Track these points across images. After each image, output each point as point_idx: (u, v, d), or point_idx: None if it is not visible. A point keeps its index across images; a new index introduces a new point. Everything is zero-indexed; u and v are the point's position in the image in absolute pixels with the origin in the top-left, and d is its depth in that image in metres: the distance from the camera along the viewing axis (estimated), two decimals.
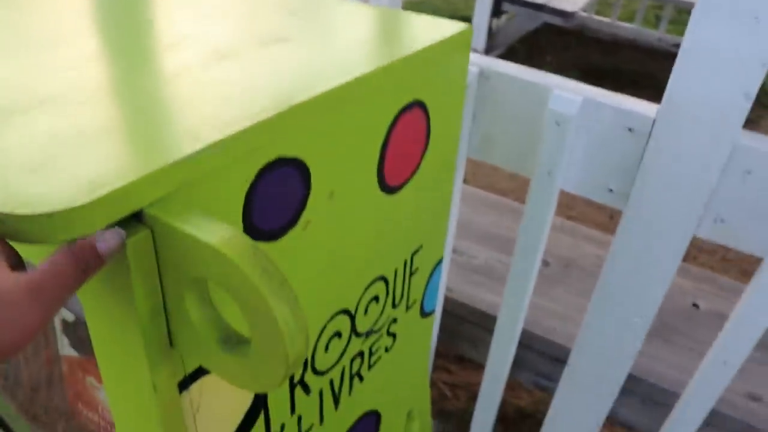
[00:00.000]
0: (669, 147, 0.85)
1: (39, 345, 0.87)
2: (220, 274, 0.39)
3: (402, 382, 0.97)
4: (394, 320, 0.88)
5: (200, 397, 0.56)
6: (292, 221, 0.56)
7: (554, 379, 1.34)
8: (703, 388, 1.00)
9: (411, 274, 0.87)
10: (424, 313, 0.96)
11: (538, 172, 0.93)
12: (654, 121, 0.85)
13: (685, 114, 0.82)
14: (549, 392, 1.34)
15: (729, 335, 0.93)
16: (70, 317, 0.78)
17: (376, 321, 0.83)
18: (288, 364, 0.39)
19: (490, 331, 1.15)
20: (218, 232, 0.38)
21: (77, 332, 0.78)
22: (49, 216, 0.36)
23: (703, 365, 0.99)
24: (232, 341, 0.44)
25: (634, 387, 1.22)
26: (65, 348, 0.82)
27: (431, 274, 0.94)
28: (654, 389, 1.20)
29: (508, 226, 1.71)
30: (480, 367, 1.32)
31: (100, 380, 0.79)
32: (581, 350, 1.07)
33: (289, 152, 0.51)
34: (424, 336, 1.01)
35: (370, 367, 0.86)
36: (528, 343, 1.32)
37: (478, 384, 1.25)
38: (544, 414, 1.16)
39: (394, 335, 0.89)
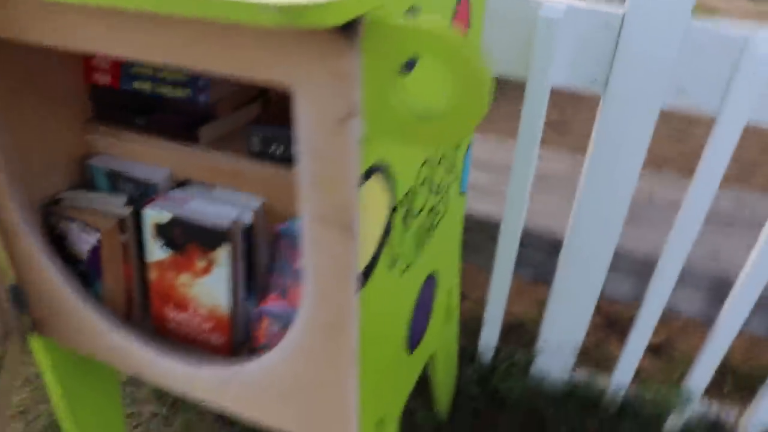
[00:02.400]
0: (637, 34, 1.04)
1: (117, 262, 0.95)
2: (434, 49, 0.53)
3: (448, 253, 1.10)
4: (447, 189, 1.01)
5: None
6: None
7: (550, 270, 1.49)
8: (673, 254, 1.19)
9: (456, 147, 1.00)
10: (461, 192, 1.10)
11: (533, 70, 1.10)
12: (623, 16, 1.05)
13: (647, 7, 1.02)
14: (547, 283, 1.48)
15: (688, 203, 1.13)
16: (165, 218, 0.88)
17: (441, 181, 0.95)
18: (485, 101, 0.53)
19: (489, 235, 1.31)
20: (427, 22, 0.53)
21: (172, 231, 0.88)
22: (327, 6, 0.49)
23: (671, 236, 1.19)
24: (425, 113, 0.57)
25: (618, 263, 1.39)
26: (156, 252, 0.91)
27: (465, 155, 1.08)
28: (634, 262, 1.38)
29: (503, 156, 1.86)
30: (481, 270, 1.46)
31: (196, 273, 0.89)
32: (576, 231, 1.24)
33: None
34: (460, 214, 1.14)
35: (435, 226, 0.97)
36: (526, 242, 1.48)
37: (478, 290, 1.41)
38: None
39: (446, 205, 1.02)
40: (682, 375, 1.44)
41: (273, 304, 0.87)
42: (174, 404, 1.43)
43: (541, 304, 1.52)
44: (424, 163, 0.84)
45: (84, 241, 0.93)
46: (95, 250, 0.93)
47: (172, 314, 0.95)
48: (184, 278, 0.91)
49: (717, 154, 1.07)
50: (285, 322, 0.87)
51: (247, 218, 0.89)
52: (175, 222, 0.87)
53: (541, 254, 1.52)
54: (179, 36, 0.62)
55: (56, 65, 0.92)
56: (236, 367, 0.84)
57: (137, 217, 0.97)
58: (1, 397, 1.02)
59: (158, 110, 0.95)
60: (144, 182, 0.96)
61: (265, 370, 0.81)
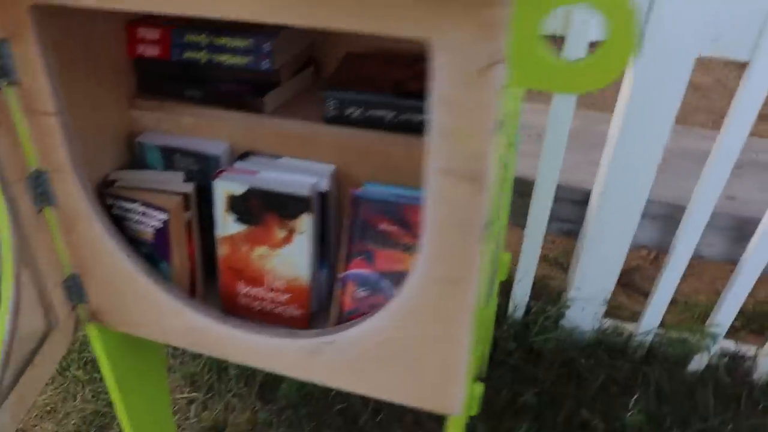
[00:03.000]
0: None
1: (183, 240, 0.92)
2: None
3: (502, 209, 1.11)
4: (509, 144, 1.01)
5: None
6: None
7: (577, 222, 1.50)
8: (703, 200, 1.24)
9: None
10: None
11: (572, 26, 1.12)
12: None
13: None
14: (573, 236, 1.50)
15: (720, 146, 1.18)
16: (240, 189, 0.85)
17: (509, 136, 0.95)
18: (633, 42, 0.54)
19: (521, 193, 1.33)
20: None
21: (248, 202, 0.85)
22: None
23: (701, 181, 1.23)
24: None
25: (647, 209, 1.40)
26: (229, 226, 0.88)
27: None
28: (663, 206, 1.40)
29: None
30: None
31: (275, 244, 0.87)
32: (608, 182, 1.27)
33: None
34: (513, 168, 1.14)
35: (504, 181, 0.97)
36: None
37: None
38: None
39: (508, 160, 1.02)
40: (701, 316, 1.51)
41: (359, 269, 0.86)
42: (210, 389, 1.40)
43: (568, 256, 1.55)
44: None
45: (148, 222, 0.89)
46: (161, 230, 0.89)
47: (245, 289, 0.92)
48: (260, 251, 0.89)
49: (750, 98, 1.11)
50: (372, 286, 0.86)
51: (323, 185, 0.87)
52: (251, 193, 0.85)
53: (566, 208, 1.55)
54: None
55: (100, 37, 0.87)
56: (329, 336, 0.83)
57: (199, 192, 0.93)
58: (29, 393, 0.96)
59: (212, 81, 0.91)
60: (204, 156, 0.92)
61: (367, 335, 0.80)
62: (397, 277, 0.86)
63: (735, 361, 1.46)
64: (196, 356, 1.45)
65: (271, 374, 1.41)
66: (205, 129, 0.93)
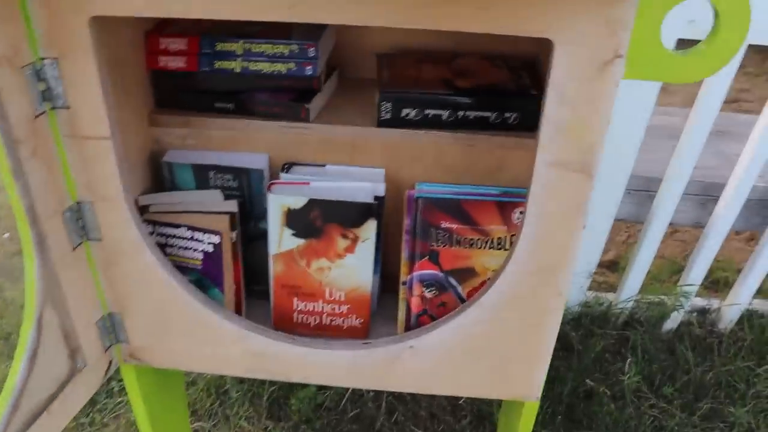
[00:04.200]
0: None
1: (231, 262, 0.87)
2: None
3: None
4: None
5: None
6: None
7: None
8: (680, 170, 1.32)
9: None
10: None
11: None
12: None
13: None
14: None
15: (693, 122, 1.27)
16: (298, 202, 0.81)
17: None
18: (744, 33, 0.57)
19: None
20: None
21: (308, 215, 0.82)
22: None
23: (677, 153, 1.32)
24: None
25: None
26: (285, 242, 0.84)
27: None
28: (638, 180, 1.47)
29: None
30: None
31: (336, 254, 0.84)
32: None
33: None
34: None
35: None
36: None
37: None
38: None
39: None
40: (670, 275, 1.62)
41: (424, 269, 0.86)
42: (213, 416, 1.33)
43: None
44: None
45: (196, 247, 0.84)
46: (211, 254, 0.84)
47: (301, 305, 0.89)
48: (319, 263, 0.86)
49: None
50: (440, 286, 0.86)
51: (381, 189, 0.86)
52: (312, 204, 0.82)
53: None
54: None
55: (124, 48, 0.81)
56: (411, 341, 0.81)
57: (244, 211, 0.88)
58: None
59: (247, 90, 0.86)
60: (244, 171, 0.87)
61: (453, 334, 0.80)
62: (464, 274, 0.86)
63: (701, 315, 1.58)
64: (190, 383, 1.37)
65: (278, 390, 1.36)
66: (241, 142, 0.88)
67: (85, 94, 0.67)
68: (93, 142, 0.70)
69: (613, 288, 1.65)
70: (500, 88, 0.85)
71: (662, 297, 1.53)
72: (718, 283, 1.76)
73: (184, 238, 0.83)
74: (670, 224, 1.44)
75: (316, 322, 0.90)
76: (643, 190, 1.45)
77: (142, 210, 0.85)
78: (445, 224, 0.84)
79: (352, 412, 1.34)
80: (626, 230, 2.08)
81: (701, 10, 1.16)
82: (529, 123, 0.84)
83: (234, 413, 1.33)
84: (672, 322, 1.54)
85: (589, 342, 1.48)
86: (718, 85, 1.22)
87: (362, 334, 0.91)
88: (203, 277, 0.85)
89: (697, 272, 1.48)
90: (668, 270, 1.80)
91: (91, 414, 1.36)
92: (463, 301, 0.86)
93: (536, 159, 0.67)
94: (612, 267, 1.90)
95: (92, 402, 1.38)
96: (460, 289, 0.86)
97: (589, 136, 0.64)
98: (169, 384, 1.04)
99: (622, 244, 2.02)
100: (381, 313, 0.95)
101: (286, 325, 0.90)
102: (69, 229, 0.74)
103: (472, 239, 0.84)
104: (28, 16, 0.62)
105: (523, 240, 0.72)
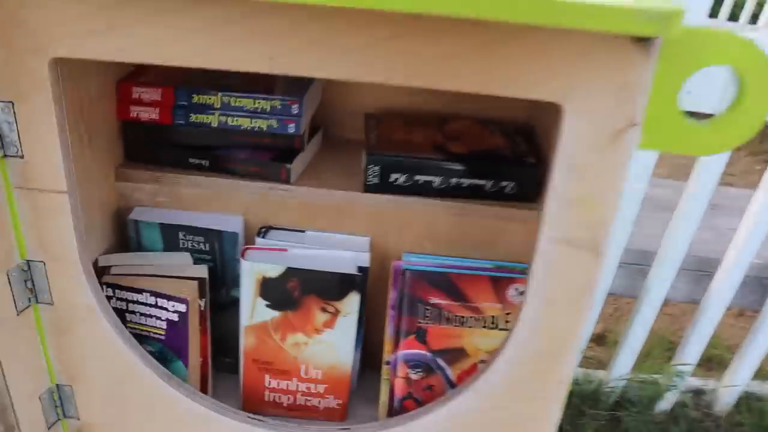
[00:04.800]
0: None
1: (197, 333, 0.78)
2: (738, 57, 0.51)
3: None
4: None
5: None
6: None
7: None
8: (675, 243, 1.28)
9: None
10: None
11: None
12: None
13: None
14: None
15: (689, 195, 1.23)
16: (275, 270, 0.74)
17: None
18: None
19: None
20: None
21: (285, 284, 0.75)
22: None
23: (672, 227, 1.28)
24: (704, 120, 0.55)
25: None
26: (258, 313, 0.76)
27: None
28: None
29: None
30: None
31: (314, 329, 0.77)
32: None
33: None
34: None
35: None
36: None
37: None
38: None
39: None
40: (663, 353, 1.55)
41: (411, 349, 0.78)
42: None
43: None
44: None
45: (159, 315, 0.76)
46: (176, 324, 0.76)
47: (273, 383, 0.81)
48: (294, 338, 0.78)
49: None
50: (427, 368, 0.78)
51: (365, 259, 0.79)
52: (290, 273, 0.74)
53: None
54: (430, 52, 0.53)
55: (93, 97, 0.74)
56: (391, 430, 0.73)
57: (215, 277, 0.81)
58: None
59: (223, 147, 0.80)
60: (216, 233, 0.80)
61: (442, 422, 0.72)
62: (454, 355, 0.78)
63: (697, 396, 1.51)
64: None
65: None
66: (215, 202, 0.82)
67: (41, 143, 0.60)
68: (48, 196, 0.63)
69: (601, 363, 1.57)
70: (496, 155, 0.80)
71: (655, 376, 1.46)
72: (710, 361, 1.69)
73: (146, 305, 0.75)
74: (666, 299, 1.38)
75: (290, 401, 0.81)
76: (634, 264, 1.40)
77: (102, 271, 0.77)
78: (434, 299, 0.77)
79: None
80: (613, 302, 2.02)
81: (698, 81, 1.13)
82: (526, 193, 0.79)
83: None
84: (666, 403, 1.46)
85: (578, 423, 1.39)
86: (715, 159, 1.18)
87: (340, 416, 0.82)
88: (166, 349, 0.77)
89: (691, 351, 1.42)
90: (659, 346, 1.73)
91: None
92: (452, 384, 0.79)
93: (540, 235, 0.60)
94: (600, 341, 1.83)
95: None
96: (449, 371, 0.79)
97: (599, 211, 0.59)
98: None
99: (609, 317, 1.95)
100: (361, 393, 0.86)
101: (256, 404, 0.82)
102: (14, 290, 0.66)
103: (463, 317, 0.77)
104: None
105: (523, 322, 0.65)
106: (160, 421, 0.75)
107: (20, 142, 0.60)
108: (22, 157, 0.61)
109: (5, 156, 0.61)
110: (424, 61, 0.53)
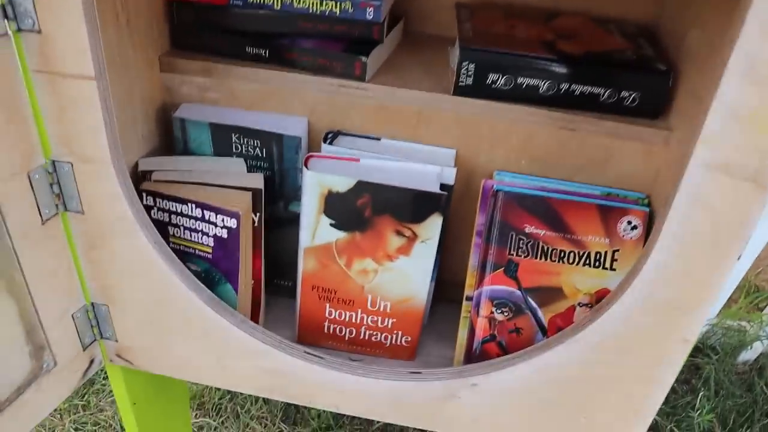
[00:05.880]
0: None
1: (249, 254, 0.68)
2: None
3: None
4: None
5: None
6: None
7: None
8: None
9: None
10: None
11: None
12: None
13: None
14: None
15: None
16: (344, 184, 0.62)
17: None
18: None
19: None
20: None
21: (354, 201, 0.63)
22: None
23: None
24: None
25: None
26: (322, 233, 0.65)
27: None
28: None
29: None
30: None
31: (384, 256, 0.65)
32: None
33: None
34: None
35: None
36: None
37: None
38: None
39: None
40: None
41: (497, 284, 0.66)
42: (221, 412, 1.16)
43: None
44: None
45: (206, 231, 0.65)
46: (225, 241, 0.65)
47: (335, 313, 0.70)
48: (362, 264, 0.67)
49: None
50: (516, 308, 0.67)
51: (450, 175, 0.66)
52: (361, 188, 0.62)
53: None
54: None
55: None
56: (469, 379, 0.62)
57: (272, 187, 0.69)
58: None
59: (287, 35, 0.67)
60: (275, 137, 0.68)
61: (532, 374, 0.61)
62: (548, 295, 0.66)
63: None
64: None
65: None
66: (274, 100, 0.69)
67: (62, 14, 0.48)
68: (72, 82, 0.51)
69: None
70: (618, 58, 0.65)
71: (742, 323, 1.32)
72: None
73: (192, 218, 0.65)
74: None
75: (352, 335, 0.71)
76: None
77: (142, 177, 0.67)
78: (529, 228, 0.64)
79: (378, 423, 1.16)
80: None
81: None
82: (651, 107, 0.64)
83: (245, 411, 1.16)
84: (752, 353, 1.33)
85: None
86: None
87: (409, 355, 0.72)
88: (213, 269, 0.67)
89: None
90: (744, 292, 1.58)
91: (86, 396, 1.21)
92: (543, 329, 0.67)
93: (691, 157, 0.46)
94: None
95: (91, 382, 1.22)
96: (540, 313, 0.67)
97: None
98: (165, 385, 0.87)
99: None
100: (433, 330, 0.76)
101: (313, 336, 0.72)
102: (38, 195, 0.56)
103: (562, 251, 0.64)
104: None
105: (651, 264, 0.52)
106: (205, 349, 0.66)
107: (36, 12, 0.48)
108: (39, 31, 0.49)
109: (19, 30, 0.49)
110: None
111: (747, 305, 1.51)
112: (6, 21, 0.48)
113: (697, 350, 1.34)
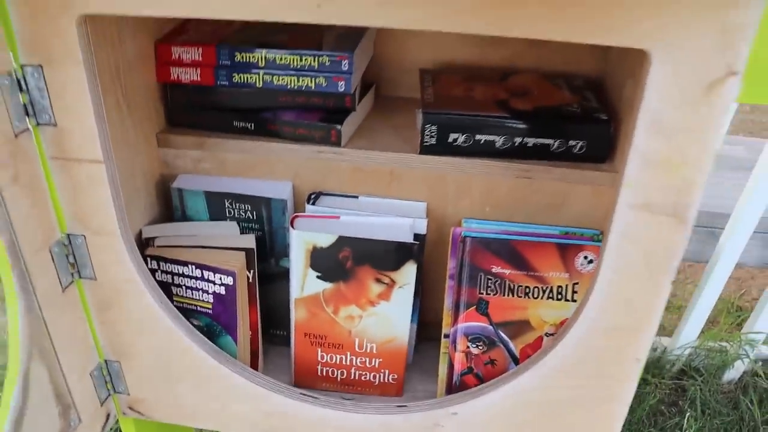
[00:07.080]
0: None
1: (246, 307, 0.75)
2: None
3: None
4: None
5: None
6: None
7: None
8: (750, 209, 1.19)
9: None
10: None
11: None
12: None
13: None
14: None
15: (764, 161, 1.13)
16: (326, 240, 0.69)
17: None
18: None
19: None
20: None
21: (336, 255, 0.70)
22: None
23: (745, 193, 1.18)
24: None
25: None
26: (309, 285, 0.72)
27: None
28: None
29: None
30: None
31: (367, 302, 0.72)
32: None
33: None
34: None
35: None
36: None
37: None
38: None
39: None
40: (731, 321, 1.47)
41: (471, 321, 0.73)
42: None
43: None
44: None
45: (206, 288, 0.72)
46: (223, 297, 0.72)
47: (326, 357, 0.77)
48: (348, 311, 0.73)
49: None
50: (489, 341, 0.73)
51: (422, 226, 0.74)
52: (342, 243, 0.70)
53: None
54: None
55: (129, 59, 0.70)
56: (449, 408, 0.69)
57: (263, 246, 0.77)
58: None
59: (269, 109, 0.75)
60: (264, 201, 0.76)
61: (504, 400, 0.67)
62: (518, 328, 0.73)
63: (765, 364, 1.43)
64: None
65: None
66: (262, 168, 0.77)
67: (74, 109, 0.56)
68: (83, 166, 0.59)
69: (664, 330, 1.50)
70: (565, 112, 0.73)
71: (724, 344, 1.38)
72: None
73: (193, 278, 0.72)
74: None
75: (344, 376, 0.78)
76: (703, 227, 1.31)
77: (147, 243, 0.74)
78: (496, 269, 0.71)
79: None
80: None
81: None
82: (597, 152, 0.72)
83: None
84: (735, 372, 1.38)
85: (641, 392, 1.33)
86: None
87: (396, 391, 0.78)
88: (214, 323, 0.74)
89: (764, 318, 1.33)
90: (726, 313, 1.65)
91: None
92: (515, 359, 0.74)
93: (617, 199, 0.54)
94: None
95: None
96: (511, 345, 0.74)
97: (687, 172, 0.52)
98: None
99: (673, 282, 1.86)
100: (417, 367, 0.82)
101: (308, 379, 0.78)
102: (58, 266, 0.63)
103: (527, 287, 0.71)
104: (7, 14, 0.51)
105: (597, 295, 0.59)
106: (210, 397, 0.73)
107: (52, 109, 0.56)
108: (55, 125, 0.57)
109: (38, 124, 0.57)
110: (492, 3, 0.47)
111: (728, 325, 1.57)
112: (27, 117, 0.56)
113: (683, 373, 1.39)
